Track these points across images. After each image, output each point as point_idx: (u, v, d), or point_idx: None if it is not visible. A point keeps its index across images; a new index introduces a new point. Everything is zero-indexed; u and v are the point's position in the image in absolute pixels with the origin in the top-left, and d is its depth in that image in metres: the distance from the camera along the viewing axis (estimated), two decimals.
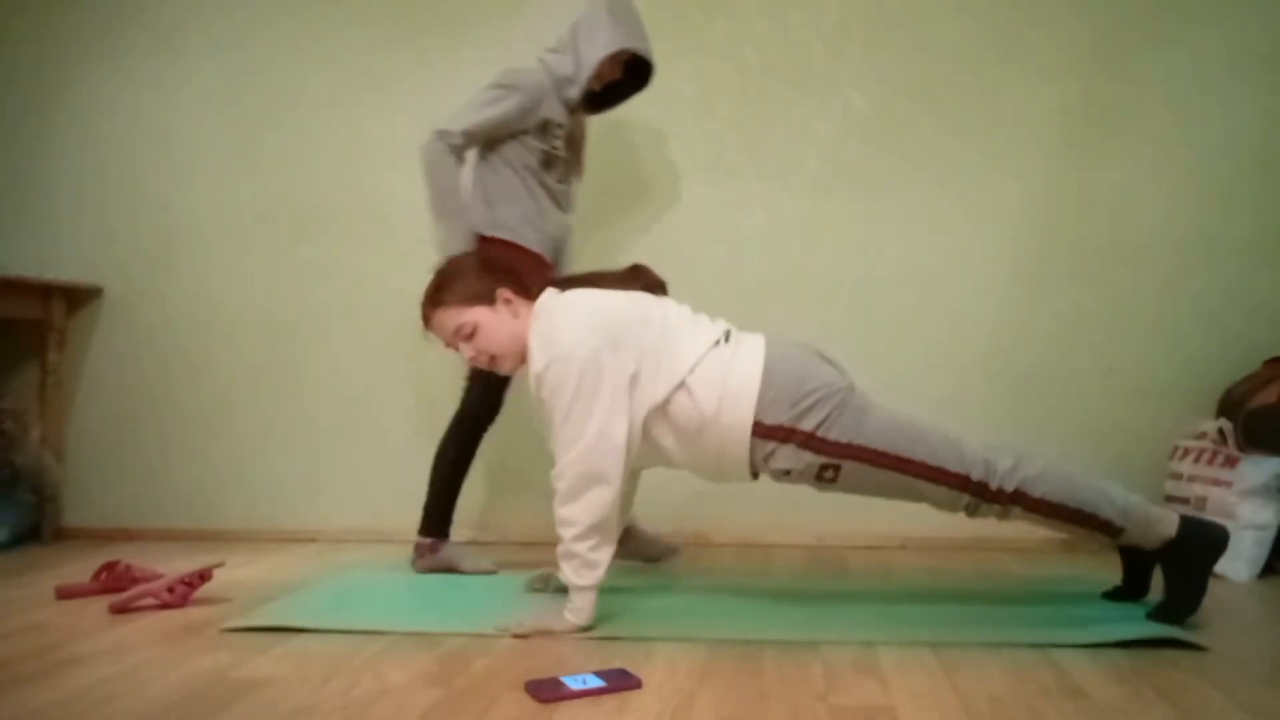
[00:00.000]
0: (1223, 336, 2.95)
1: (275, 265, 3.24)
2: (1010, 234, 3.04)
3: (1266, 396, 2.67)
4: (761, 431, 1.95)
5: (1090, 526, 2.01)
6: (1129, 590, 2.25)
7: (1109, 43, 3.03)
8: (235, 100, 3.27)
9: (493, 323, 2.07)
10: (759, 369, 1.96)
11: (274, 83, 3.25)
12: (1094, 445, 2.93)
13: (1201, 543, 2.00)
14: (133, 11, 3.29)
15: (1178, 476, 2.82)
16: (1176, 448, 2.88)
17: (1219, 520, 2.58)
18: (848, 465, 1.97)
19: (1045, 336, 3.02)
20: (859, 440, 1.96)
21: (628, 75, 2.70)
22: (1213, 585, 2.47)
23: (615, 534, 1.98)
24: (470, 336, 2.08)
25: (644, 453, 2.03)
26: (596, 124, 3.17)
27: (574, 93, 2.60)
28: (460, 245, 2.44)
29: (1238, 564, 2.57)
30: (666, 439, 2.00)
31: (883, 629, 1.99)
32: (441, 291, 2.11)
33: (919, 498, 2.03)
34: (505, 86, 2.52)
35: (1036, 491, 1.99)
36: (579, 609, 1.95)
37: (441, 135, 2.46)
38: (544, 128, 2.57)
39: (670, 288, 2.24)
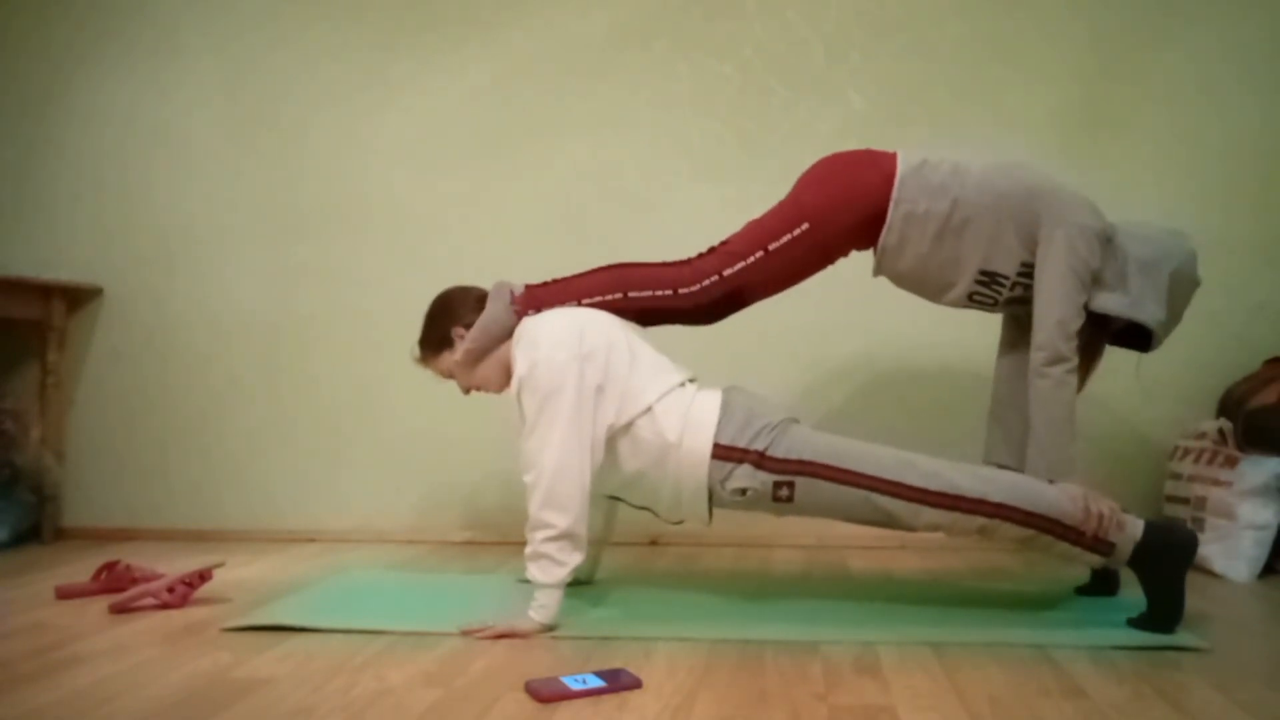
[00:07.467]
0: (1223, 336, 2.95)
1: (275, 265, 3.24)
2: None
3: (1266, 396, 2.67)
4: (719, 453, 2.03)
5: (1083, 544, 2.00)
6: (1104, 587, 2.28)
7: (1108, 43, 3.02)
8: (234, 99, 3.27)
9: (457, 363, 2.23)
10: (718, 402, 2.08)
11: (273, 81, 3.25)
12: (1094, 445, 2.92)
13: (1169, 544, 2.00)
14: (131, 11, 3.29)
15: (1178, 476, 2.82)
16: (1176, 448, 2.88)
17: (1221, 520, 2.61)
18: (800, 482, 2.02)
19: None
20: (806, 455, 2.03)
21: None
22: (1213, 585, 2.50)
23: (585, 539, 1.99)
24: (454, 376, 2.25)
25: (605, 472, 2.07)
26: (596, 125, 3.18)
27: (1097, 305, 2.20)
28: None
29: (1238, 564, 2.57)
30: (630, 463, 2.07)
31: (883, 629, 1.99)
32: (419, 347, 2.28)
33: (882, 515, 2.03)
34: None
35: (1023, 506, 1.99)
36: (544, 607, 1.97)
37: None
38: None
39: None
